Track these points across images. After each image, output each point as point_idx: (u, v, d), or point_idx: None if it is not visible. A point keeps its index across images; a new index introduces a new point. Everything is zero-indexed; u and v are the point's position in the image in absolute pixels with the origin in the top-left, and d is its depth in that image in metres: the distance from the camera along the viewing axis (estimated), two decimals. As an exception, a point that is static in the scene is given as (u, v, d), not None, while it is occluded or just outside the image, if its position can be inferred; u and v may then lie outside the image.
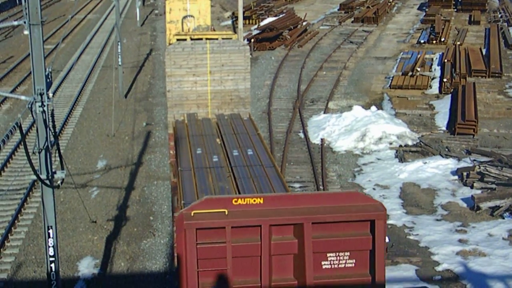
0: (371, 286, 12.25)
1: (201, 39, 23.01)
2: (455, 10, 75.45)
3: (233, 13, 67.76)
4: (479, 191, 26.27)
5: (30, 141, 31.31)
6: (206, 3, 26.22)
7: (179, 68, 22.46)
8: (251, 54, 52.86)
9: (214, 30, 27.28)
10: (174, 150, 20.43)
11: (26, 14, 13.34)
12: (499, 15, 71.10)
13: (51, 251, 14.89)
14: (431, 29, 60.49)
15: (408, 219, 24.44)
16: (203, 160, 17.91)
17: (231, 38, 23.25)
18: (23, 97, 14.39)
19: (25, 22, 13.44)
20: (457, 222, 24.14)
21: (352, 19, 69.91)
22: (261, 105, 38.80)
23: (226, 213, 11.90)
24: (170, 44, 24.14)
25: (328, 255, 12.22)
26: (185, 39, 22.89)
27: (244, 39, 54.92)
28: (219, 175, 16.76)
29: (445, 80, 41.43)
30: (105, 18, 72.03)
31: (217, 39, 23.07)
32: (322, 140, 32.71)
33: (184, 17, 26.05)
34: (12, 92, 40.51)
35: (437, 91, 41.15)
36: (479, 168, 27.36)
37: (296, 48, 55.56)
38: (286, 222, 12.02)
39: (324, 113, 37.19)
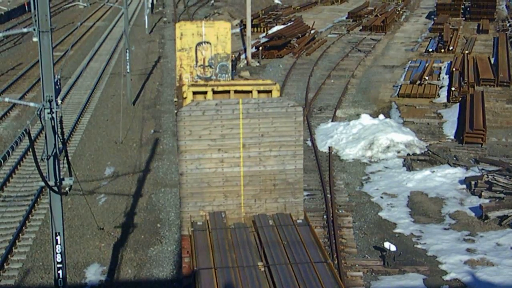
0: None
1: (228, 91, 17.20)
2: (464, 19, 75.38)
3: (241, 21, 67.90)
4: (487, 200, 26.15)
5: (38, 148, 31.40)
6: (225, 27, 21.60)
7: (197, 141, 15.89)
8: (258, 62, 53.19)
9: (235, 59, 23.47)
10: (189, 277, 14.92)
11: (36, 21, 13.40)
12: (508, 24, 70.95)
13: (58, 258, 14.89)
14: (440, 37, 60.44)
15: (415, 228, 24.35)
16: None
17: (270, 91, 17.07)
18: (32, 104, 14.44)
19: (34, 29, 13.50)
20: (465, 231, 24.04)
21: (360, 27, 69.94)
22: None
23: None
24: (179, 92, 18.76)
25: None
26: (205, 92, 17.09)
27: (252, 47, 55.03)
28: None
29: (453, 89, 41.34)
30: (114, 26, 72.32)
31: (250, 91, 17.09)
32: (329, 148, 32.68)
33: (199, 44, 21.32)
34: (21, 99, 40.68)
35: (445, 100, 41.06)
36: (487, 177, 27.26)
37: (304, 56, 55.59)
38: None
39: (332, 121, 37.17)
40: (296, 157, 16.39)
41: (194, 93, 17.08)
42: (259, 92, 17.11)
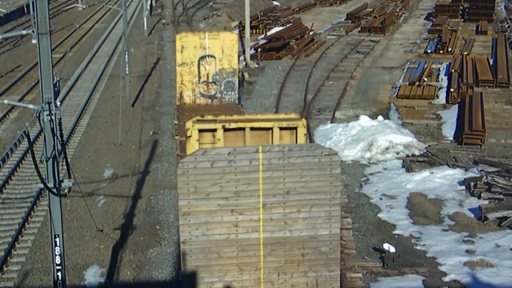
0: None
1: (243, 128, 13.86)
2: (462, 20, 75.44)
3: (240, 23, 67.95)
4: (486, 202, 26.15)
5: (37, 150, 31.38)
6: (231, 39, 19.16)
7: (204, 200, 12.52)
8: (257, 63, 53.19)
9: (242, 75, 20.96)
10: None
11: (35, 23, 13.40)
12: (506, 25, 71.03)
13: (57, 260, 14.89)
14: (438, 39, 60.47)
15: (415, 229, 24.35)
16: None
17: (295, 128, 13.84)
18: (31, 106, 14.44)
19: (33, 31, 13.51)
20: (464, 232, 24.03)
21: (359, 29, 70.01)
22: (268, 115, 38.81)
23: None
24: (179, 112, 16.42)
25: None
26: (214, 129, 13.80)
27: (251, 49, 55.04)
28: None
29: (452, 90, 41.37)
30: (113, 28, 72.34)
31: (271, 128, 13.86)
32: (328, 149, 32.64)
33: (202, 58, 18.98)
34: (20, 100, 40.67)
35: (444, 101, 41.08)
36: (487, 178, 27.26)
37: (303, 57, 55.62)
38: None
39: (331, 122, 37.17)
40: (331, 219, 12.93)
41: (200, 130, 13.77)
42: (281, 129, 13.89)
